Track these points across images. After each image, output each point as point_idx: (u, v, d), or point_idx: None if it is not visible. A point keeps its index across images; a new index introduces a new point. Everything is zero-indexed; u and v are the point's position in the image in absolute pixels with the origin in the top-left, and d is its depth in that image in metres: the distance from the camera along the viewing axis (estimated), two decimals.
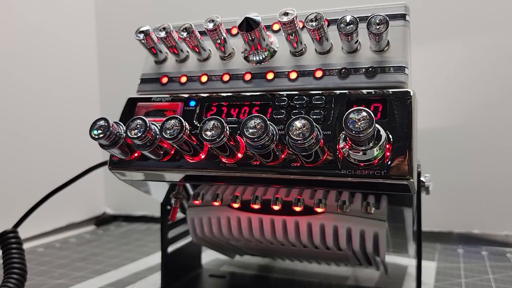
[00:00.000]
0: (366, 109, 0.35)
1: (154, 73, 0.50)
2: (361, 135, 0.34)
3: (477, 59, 0.83)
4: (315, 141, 0.36)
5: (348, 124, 0.34)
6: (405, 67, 0.41)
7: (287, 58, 0.46)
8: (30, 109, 0.92)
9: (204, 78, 0.48)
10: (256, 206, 0.50)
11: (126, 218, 1.11)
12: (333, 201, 0.48)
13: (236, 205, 0.51)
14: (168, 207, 0.59)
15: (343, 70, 0.43)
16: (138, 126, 0.41)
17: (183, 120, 0.40)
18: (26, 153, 0.91)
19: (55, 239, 0.92)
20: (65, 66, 1.01)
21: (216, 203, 0.52)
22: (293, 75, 0.44)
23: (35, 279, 0.65)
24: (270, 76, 0.45)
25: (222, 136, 0.38)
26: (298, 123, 0.36)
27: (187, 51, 0.50)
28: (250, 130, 0.37)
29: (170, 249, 0.61)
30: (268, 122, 0.37)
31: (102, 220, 1.09)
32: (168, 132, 0.39)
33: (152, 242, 0.89)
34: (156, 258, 0.77)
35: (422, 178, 0.49)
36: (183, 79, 0.49)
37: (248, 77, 0.46)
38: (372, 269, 0.63)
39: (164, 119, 0.40)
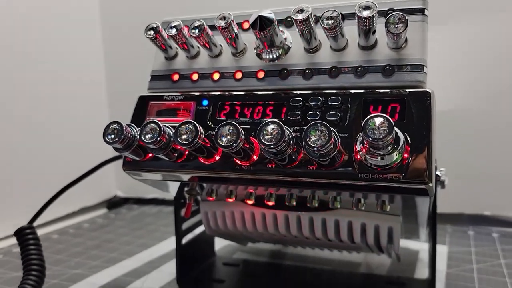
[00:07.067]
0: (385, 115, 0.34)
1: (165, 69, 0.49)
2: (380, 142, 0.34)
3: (492, 41, 0.81)
4: (332, 147, 0.36)
5: (367, 131, 0.34)
6: (423, 65, 0.40)
7: (301, 55, 0.44)
8: (44, 106, 0.93)
9: (216, 76, 0.47)
10: (270, 203, 0.50)
11: (137, 201, 1.12)
12: (347, 197, 0.47)
13: (250, 202, 0.51)
14: (182, 200, 0.59)
15: (359, 68, 0.42)
16: (152, 130, 0.40)
17: (197, 125, 0.39)
18: (39, 147, 0.91)
19: (68, 224, 0.93)
20: (73, 68, 1.01)
21: (230, 200, 0.52)
22: (308, 73, 0.43)
23: (53, 269, 0.66)
24: (284, 74, 0.44)
25: (238, 141, 0.37)
26: (315, 131, 0.35)
27: (198, 47, 0.49)
28: (266, 137, 0.36)
29: (184, 239, 0.62)
30: (284, 127, 0.36)
31: (113, 203, 1.10)
32: (183, 137, 0.39)
33: (164, 226, 0.90)
34: (168, 244, 0.77)
35: (437, 172, 0.49)
36: (195, 77, 0.48)
37: (261, 75, 0.45)
38: (384, 255, 0.64)
39: (179, 123, 0.39)
